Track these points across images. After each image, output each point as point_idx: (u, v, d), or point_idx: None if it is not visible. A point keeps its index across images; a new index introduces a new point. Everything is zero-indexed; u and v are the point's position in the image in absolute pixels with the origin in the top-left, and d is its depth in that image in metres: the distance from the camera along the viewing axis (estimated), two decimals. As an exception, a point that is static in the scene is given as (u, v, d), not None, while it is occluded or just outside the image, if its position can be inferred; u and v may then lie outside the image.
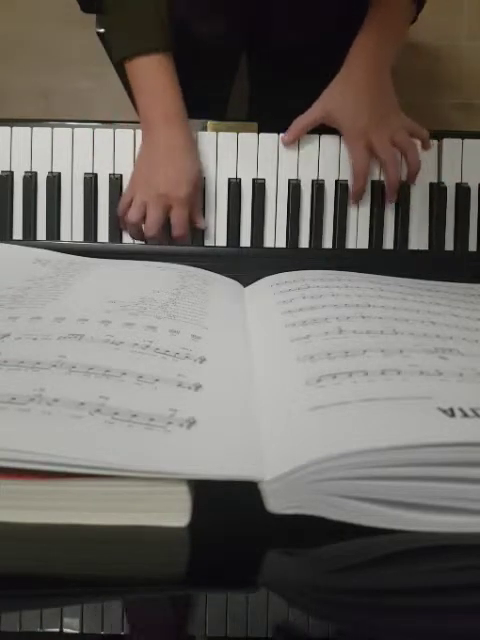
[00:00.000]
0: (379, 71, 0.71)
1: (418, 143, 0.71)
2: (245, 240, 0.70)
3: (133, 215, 0.68)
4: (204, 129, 0.71)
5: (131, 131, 0.71)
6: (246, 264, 0.66)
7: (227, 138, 0.71)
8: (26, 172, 0.70)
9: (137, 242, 0.70)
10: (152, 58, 0.67)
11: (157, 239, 0.68)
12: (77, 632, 0.21)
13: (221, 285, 0.56)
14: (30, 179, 0.70)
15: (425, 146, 0.71)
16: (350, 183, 0.70)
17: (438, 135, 0.72)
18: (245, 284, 0.57)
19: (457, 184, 0.71)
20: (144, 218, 0.68)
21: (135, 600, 0.23)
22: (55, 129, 0.71)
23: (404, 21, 0.74)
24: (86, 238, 0.70)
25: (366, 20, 0.72)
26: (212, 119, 0.72)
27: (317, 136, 0.71)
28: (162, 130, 0.67)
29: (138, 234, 0.69)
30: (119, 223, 0.70)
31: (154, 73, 0.67)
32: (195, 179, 0.68)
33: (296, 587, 0.23)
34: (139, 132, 0.71)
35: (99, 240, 0.70)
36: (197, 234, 0.70)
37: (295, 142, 0.70)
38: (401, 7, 0.73)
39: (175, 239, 0.68)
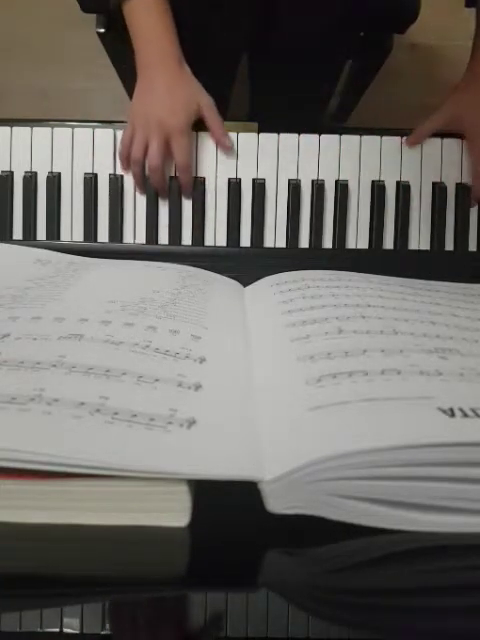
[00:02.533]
0: None
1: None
2: (245, 240, 0.70)
3: (136, 151, 0.67)
4: (204, 129, 0.71)
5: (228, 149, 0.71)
6: (246, 264, 0.66)
7: (227, 138, 0.71)
8: (26, 172, 0.70)
9: (139, 193, 0.69)
10: (148, 0, 0.67)
11: (160, 176, 0.68)
12: (77, 632, 0.21)
13: (221, 285, 0.56)
14: (30, 179, 0.70)
15: None
16: (471, 184, 0.71)
17: (438, 135, 0.72)
18: (245, 284, 0.57)
19: (457, 184, 0.71)
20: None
21: (135, 600, 0.23)
22: (55, 129, 0.71)
23: None
24: (86, 238, 0.70)
25: None
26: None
27: (317, 136, 0.71)
28: (159, 70, 0.67)
29: (141, 174, 0.69)
30: (122, 165, 0.70)
31: (150, 15, 0.67)
32: (196, 107, 0.67)
33: (296, 587, 0.23)
34: (139, 132, 0.71)
35: (99, 240, 0.70)
36: (197, 198, 0.70)
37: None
38: None
39: (179, 171, 0.68)
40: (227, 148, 0.69)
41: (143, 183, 0.70)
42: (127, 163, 0.69)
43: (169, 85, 0.67)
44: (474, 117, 0.69)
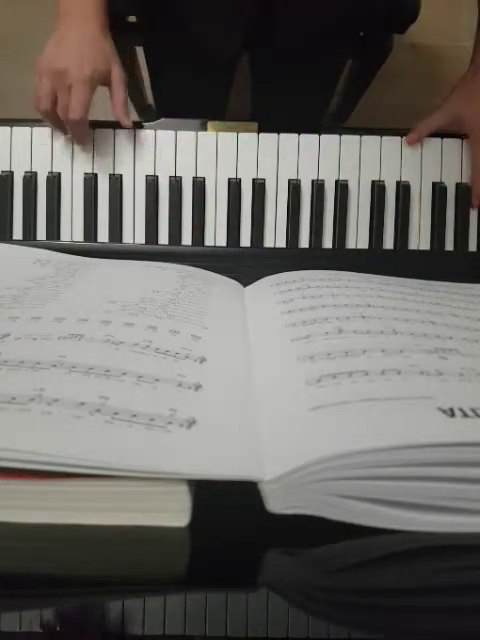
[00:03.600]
0: None
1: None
2: (245, 240, 0.70)
3: (44, 103, 0.65)
4: (204, 129, 0.71)
5: (131, 131, 0.71)
6: (246, 264, 0.66)
7: (227, 138, 0.71)
8: (26, 172, 0.70)
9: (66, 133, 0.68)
10: None
11: (79, 128, 0.66)
12: (77, 632, 0.21)
13: (221, 285, 0.56)
14: (30, 179, 0.70)
15: None
16: (472, 182, 0.70)
17: (438, 135, 0.72)
18: (245, 284, 0.57)
19: (457, 184, 0.71)
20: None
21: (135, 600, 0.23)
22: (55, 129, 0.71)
23: None
24: (86, 238, 0.70)
25: None
26: (212, 119, 0.72)
27: (317, 136, 0.71)
28: (75, 22, 0.64)
29: (58, 123, 0.67)
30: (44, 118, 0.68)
31: None
32: (104, 69, 0.64)
33: (296, 587, 0.23)
34: (139, 132, 0.71)
35: (99, 240, 0.70)
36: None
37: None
38: None
39: (70, 123, 0.65)
40: (127, 126, 0.68)
41: (64, 131, 0.68)
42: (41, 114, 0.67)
43: (83, 39, 0.64)
44: (476, 115, 0.69)
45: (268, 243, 0.70)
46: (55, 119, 0.67)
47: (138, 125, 0.71)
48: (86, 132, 0.68)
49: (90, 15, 0.65)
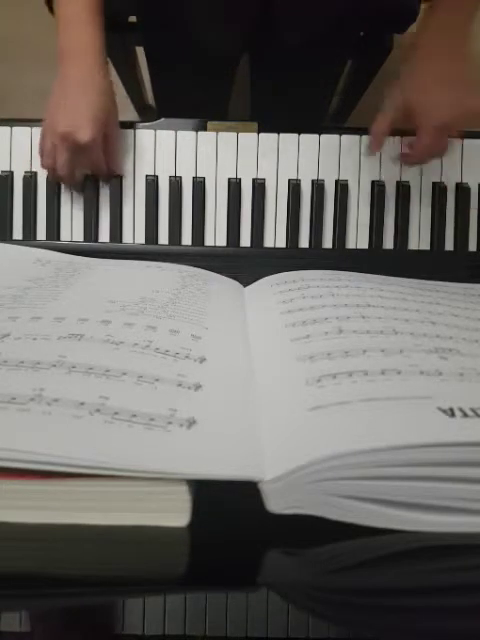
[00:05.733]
0: (456, 58, 0.66)
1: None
2: (245, 240, 0.70)
3: (44, 162, 0.68)
4: (204, 129, 0.71)
5: (131, 131, 0.71)
6: (246, 264, 0.66)
7: (227, 138, 0.71)
8: (26, 172, 0.70)
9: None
10: None
11: (73, 182, 0.69)
12: (77, 632, 0.21)
13: (221, 285, 0.56)
14: (30, 179, 0.70)
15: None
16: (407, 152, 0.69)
17: (438, 135, 0.72)
18: (245, 284, 0.57)
19: (457, 184, 0.71)
20: None
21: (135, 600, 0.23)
22: (55, 129, 0.71)
23: (476, 3, 0.67)
24: (86, 238, 0.70)
25: (435, 3, 0.67)
26: (212, 119, 0.72)
27: (317, 136, 0.71)
28: (75, 62, 0.65)
29: (58, 178, 0.69)
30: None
31: (76, 3, 0.65)
32: (101, 119, 0.65)
33: (296, 587, 0.23)
34: (139, 132, 0.71)
35: (99, 240, 0.70)
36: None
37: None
38: None
39: (101, 178, 0.69)
40: (117, 173, 0.70)
41: (64, 182, 0.70)
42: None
43: (79, 88, 0.65)
44: (427, 107, 0.66)
45: (268, 243, 0.70)
46: (55, 175, 0.69)
47: (138, 125, 0.71)
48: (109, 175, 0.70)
49: (88, 50, 0.65)
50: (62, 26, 0.67)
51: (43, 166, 0.69)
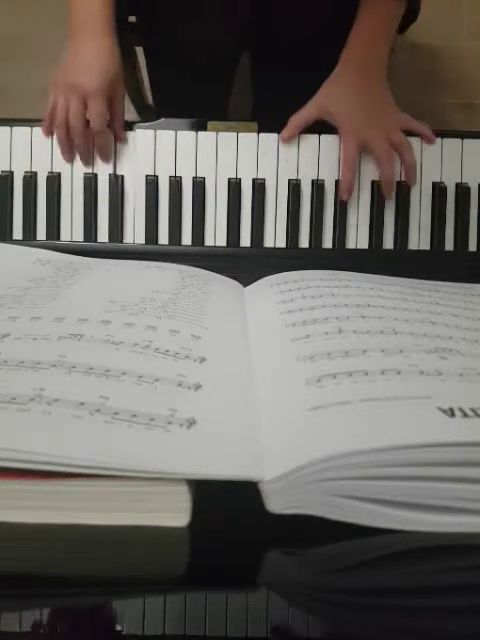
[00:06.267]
0: (373, 69, 0.71)
1: (416, 142, 0.71)
2: (245, 240, 0.70)
3: (58, 116, 0.68)
4: (204, 129, 0.71)
5: (131, 132, 0.71)
6: (246, 264, 0.66)
7: (227, 138, 0.71)
8: (26, 172, 0.70)
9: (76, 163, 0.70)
10: None
11: (82, 138, 0.69)
12: (77, 632, 0.21)
13: (221, 285, 0.56)
14: (30, 179, 0.70)
15: (428, 140, 0.71)
16: (340, 175, 0.70)
17: (438, 135, 0.72)
18: (245, 284, 0.57)
19: (457, 184, 0.71)
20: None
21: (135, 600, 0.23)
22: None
23: (396, 16, 0.73)
24: (86, 238, 0.70)
25: (357, 17, 0.71)
26: (212, 119, 0.72)
27: (317, 136, 0.71)
28: (88, 40, 0.68)
29: (66, 138, 0.69)
30: (44, 131, 0.70)
31: None
32: (112, 75, 0.68)
33: (296, 587, 0.23)
34: (139, 132, 0.71)
35: (99, 240, 0.70)
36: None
37: (293, 139, 0.70)
38: (391, 2, 0.72)
39: (95, 134, 0.69)
40: (121, 140, 0.71)
41: (68, 147, 0.70)
42: (50, 128, 0.70)
43: (94, 53, 0.68)
44: (340, 108, 0.69)
45: (268, 243, 0.70)
46: (65, 131, 0.69)
47: (138, 125, 0.71)
48: (107, 140, 0.70)
49: (99, 28, 0.69)
50: (75, 10, 0.69)
51: (55, 123, 0.69)
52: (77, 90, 0.67)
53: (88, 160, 0.70)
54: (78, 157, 0.70)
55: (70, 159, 0.70)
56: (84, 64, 0.68)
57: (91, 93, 0.67)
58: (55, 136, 0.70)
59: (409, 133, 0.71)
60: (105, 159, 0.70)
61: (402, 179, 0.71)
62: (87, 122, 0.68)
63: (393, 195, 0.70)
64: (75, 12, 0.69)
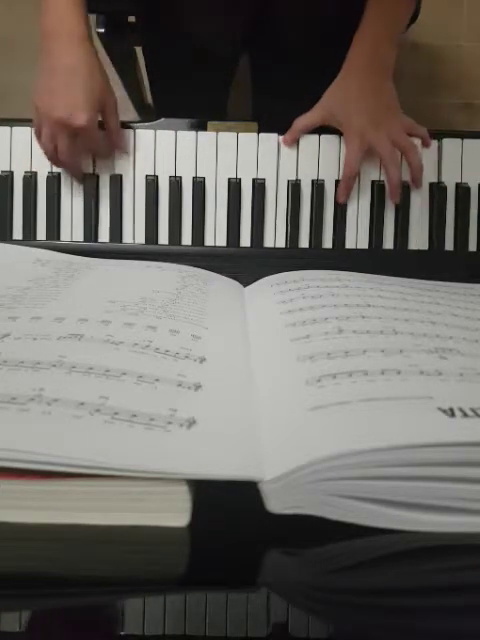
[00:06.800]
0: (379, 72, 0.71)
1: (418, 142, 0.71)
2: (245, 240, 0.70)
3: (45, 147, 0.68)
4: (204, 129, 0.71)
5: (131, 131, 0.71)
6: (246, 264, 0.66)
7: (227, 138, 0.71)
8: (26, 172, 0.70)
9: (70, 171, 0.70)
10: None
11: (75, 170, 0.69)
12: (77, 632, 0.21)
13: (221, 285, 0.56)
14: (30, 179, 0.70)
15: (425, 144, 0.71)
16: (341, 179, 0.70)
17: (438, 135, 0.72)
18: (245, 284, 0.57)
19: (457, 184, 0.71)
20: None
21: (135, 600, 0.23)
22: (55, 129, 0.70)
23: (402, 18, 0.74)
24: (86, 238, 0.70)
25: (363, 19, 0.71)
26: (212, 119, 0.72)
27: (317, 136, 0.71)
28: (63, 49, 0.65)
29: (60, 163, 0.69)
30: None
31: None
32: (96, 100, 0.65)
33: (296, 587, 0.23)
34: (139, 132, 0.71)
35: (99, 240, 0.70)
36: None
37: (295, 143, 0.70)
38: (398, 4, 0.72)
39: (99, 160, 0.69)
40: (121, 148, 0.70)
41: (64, 167, 0.70)
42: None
43: (71, 73, 0.64)
44: (345, 111, 0.70)
45: (268, 243, 0.70)
46: (57, 162, 0.69)
47: (138, 125, 0.71)
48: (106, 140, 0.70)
49: (75, 37, 0.65)
50: (48, 15, 0.66)
51: (43, 150, 0.68)
52: (66, 126, 0.65)
53: (81, 181, 0.70)
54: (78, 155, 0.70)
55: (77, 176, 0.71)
56: (67, 86, 0.64)
57: (83, 131, 0.65)
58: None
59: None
60: (105, 159, 0.70)
61: (405, 180, 0.71)
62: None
63: (399, 198, 0.70)
64: (47, 18, 0.66)
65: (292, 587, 0.23)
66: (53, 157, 0.69)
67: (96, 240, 0.70)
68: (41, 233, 0.70)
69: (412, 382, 0.29)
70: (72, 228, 0.70)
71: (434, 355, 0.33)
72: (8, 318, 0.39)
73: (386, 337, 0.36)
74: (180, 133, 0.71)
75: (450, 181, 0.71)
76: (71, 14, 0.65)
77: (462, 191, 0.71)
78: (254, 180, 0.70)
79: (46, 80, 0.65)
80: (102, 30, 0.85)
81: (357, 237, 0.71)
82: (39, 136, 0.68)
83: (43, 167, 0.70)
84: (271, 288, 0.52)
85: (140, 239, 0.70)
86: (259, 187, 0.70)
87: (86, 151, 0.69)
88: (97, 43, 0.82)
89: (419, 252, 0.70)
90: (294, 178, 0.71)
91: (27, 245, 0.66)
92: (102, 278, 0.55)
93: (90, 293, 0.48)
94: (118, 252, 0.67)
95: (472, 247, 0.71)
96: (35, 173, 0.70)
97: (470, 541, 0.24)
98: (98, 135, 0.67)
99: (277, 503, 0.24)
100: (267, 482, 0.24)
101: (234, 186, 0.70)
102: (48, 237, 0.70)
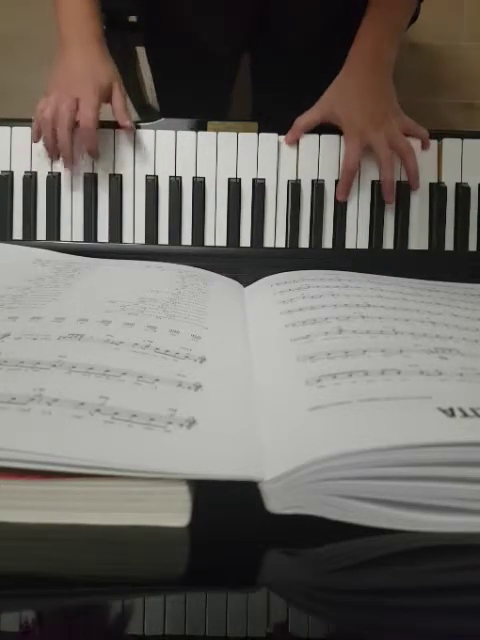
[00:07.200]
0: (380, 71, 0.71)
1: (417, 143, 0.71)
2: (245, 240, 0.70)
3: (47, 113, 0.68)
4: (204, 129, 0.71)
5: (131, 132, 0.71)
6: (246, 264, 0.66)
7: (227, 138, 0.71)
8: (26, 172, 0.70)
9: (66, 166, 0.70)
10: None
11: (67, 135, 0.68)
12: (77, 632, 0.21)
13: (221, 285, 0.56)
14: (30, 179, 0.70)
15: (425, 146, 0.71)
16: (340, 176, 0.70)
17: (438, 135, 0.72)
18: (245, 284, 0.57)
19: (457, 184, 0.71)
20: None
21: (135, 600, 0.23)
22: (55, 129, 0.70)
23: (403, 18, 0.74)
24: (86, 238, 0.70)
25: (365, 18, 0.71)
26: (212, 119, 0.72)
27: (317, 136, 0.71)
28: (78, 50, 0.69)
29: (52, 138, 0.68)
30: (33, 137, 0.70)
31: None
32: (105, 83, 0.68)
33: (296, 587, 0.23)
34: (139, 132, 0.71)
35: (99, 240, 0.70)
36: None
37: (296, 142, 0.70)
38: (400, 4, 0.72)
39: (82, 128, 0.67)
40: (128, 128, 0.69)
41: (54, 147, 0.69)
42: (39, 133, 0.69)
43: (86, 64, 0.69)
44: (345, 110, 0.70)
45: (268, 243, 0.70)
46: (52, 132, 0.68)
47: (138, 125, 0.71)
48: (94, 143, 0.69)
49: (89, 40, 0.70)
50: (63, 21, 0.70)
51: (42, 118, 0.68)
52: (70, 93, 0.67)
53: (69, 162, 0.69)
54: (78, 155, 0.70)
55: (56, 157, 0.70)
56: (77, 74, 0.68)
57: (84, 93, 0.67)
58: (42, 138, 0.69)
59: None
60: (105, 159, 0.70)
61: (402, 179, 0.71)
62: (77, 123, 0.67)
63: (393, 199, 0.70)
64: (64, 27, 0.70)
65: (292, 587, 0.23)
66: (49, 124, 0.68)
67: (96, 240, 0.70)
68: (41, 233, 0.70)
69: (412, 382, 0.29)
70: (72, 228, 0.70)
71: (434, 355, 0.33)
72: (8, 318, 0.39)
73: (386, 337, 0.36)
74: (180, 133, 0.71)
75: (450, 181, 0.71)
76: (85, 19, 0.70)
77: (462, 191, 0.71)
78: (254, 180, 0.70)
79: (57, 74, 0.70)
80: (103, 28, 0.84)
81: (357, 237, 0.71)
82: (43, 111, 0.68)
83: (43, 167, 0.70)
84: (271, 288, 0.52)
85: (140, 239, 0.70)
86: (259, 187, 0.70)
87: (81, 145, 0.69)
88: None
89: (419, 252, 0.70)
90: (294, 178, 0.71)
91: (27, 245, 0.66)
92: (102, 278, 0.55)
93: (90, 293, 0.48)
94: (118, 252, 0.67)
95: (472, 247, 0.71)
96: (35, 173, 0.70)
97: (470, 541, 0.24)
98: (95, 103, 0.67)
99: (277, 503, 0.24)
100: (267, 482, 0.24)
101: (234, 186, 0.70)
102: (48, 237, 0.70)
